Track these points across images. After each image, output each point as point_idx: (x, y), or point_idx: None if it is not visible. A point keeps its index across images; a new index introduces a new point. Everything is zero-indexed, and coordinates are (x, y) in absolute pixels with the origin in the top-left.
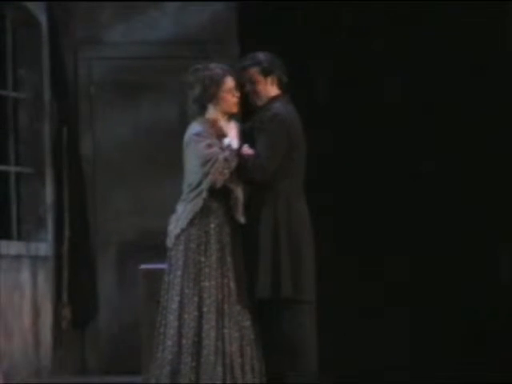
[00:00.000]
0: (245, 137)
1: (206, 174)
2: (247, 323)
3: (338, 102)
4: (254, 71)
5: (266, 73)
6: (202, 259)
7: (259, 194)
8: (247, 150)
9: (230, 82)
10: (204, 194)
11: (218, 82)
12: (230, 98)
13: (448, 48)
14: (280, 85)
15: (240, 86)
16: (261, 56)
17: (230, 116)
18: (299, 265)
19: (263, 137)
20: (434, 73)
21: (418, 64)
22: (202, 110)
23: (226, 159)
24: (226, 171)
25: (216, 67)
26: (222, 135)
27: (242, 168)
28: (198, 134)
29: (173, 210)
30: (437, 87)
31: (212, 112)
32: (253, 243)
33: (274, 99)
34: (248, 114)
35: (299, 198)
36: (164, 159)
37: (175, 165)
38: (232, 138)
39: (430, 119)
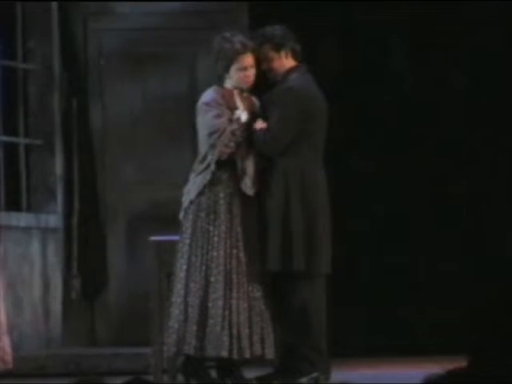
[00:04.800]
0: (262, 110)
1: (212, 146)
2: (257, 294)
3: (349, 72)
4: (267, 48)
5: (278, 48)
6: (211, 228)
7: (272, 167)
8: (261, 123)
9: (244, 61)
10: (212, 167)
11: (229, 59)
12: (241, 75)
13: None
14: (295, 55)
15: (258, 62)
16: (270, 31)
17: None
18: (313, 236)
19: (276, 110)
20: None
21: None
22: (220, 78)
23: (232, 132)
24: (232, 144)
25: (238, 41)
26: (234, 107)
27: (253, 141)
28: (207, 104)
29: (183, 182)
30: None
31: (227, 82)
32: (265, 215)
33: (290, 71)
34: (267, 86)
35: (316, 169)
36: (174, 131)
37: (185, 136)
38: (242, 110)
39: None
